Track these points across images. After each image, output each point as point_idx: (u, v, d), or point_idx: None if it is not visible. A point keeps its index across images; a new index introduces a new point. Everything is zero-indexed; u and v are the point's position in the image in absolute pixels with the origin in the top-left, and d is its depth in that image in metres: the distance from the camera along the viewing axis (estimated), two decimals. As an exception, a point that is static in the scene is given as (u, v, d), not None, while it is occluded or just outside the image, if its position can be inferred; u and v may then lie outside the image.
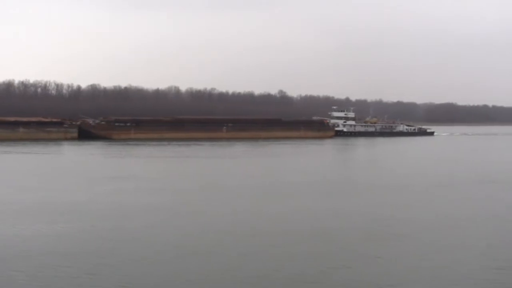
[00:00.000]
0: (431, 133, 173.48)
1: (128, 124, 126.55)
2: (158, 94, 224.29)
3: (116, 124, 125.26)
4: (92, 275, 19.84)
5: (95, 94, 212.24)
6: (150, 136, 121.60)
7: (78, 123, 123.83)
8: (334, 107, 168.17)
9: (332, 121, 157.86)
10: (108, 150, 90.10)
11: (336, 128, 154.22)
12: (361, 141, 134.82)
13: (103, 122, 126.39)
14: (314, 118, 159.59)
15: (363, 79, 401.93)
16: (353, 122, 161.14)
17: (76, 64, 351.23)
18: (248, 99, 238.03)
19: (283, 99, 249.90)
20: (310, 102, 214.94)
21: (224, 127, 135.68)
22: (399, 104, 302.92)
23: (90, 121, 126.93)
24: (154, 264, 21.34)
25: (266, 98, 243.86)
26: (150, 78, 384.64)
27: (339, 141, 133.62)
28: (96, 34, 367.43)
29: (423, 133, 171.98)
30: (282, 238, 25.72)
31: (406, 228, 28.41)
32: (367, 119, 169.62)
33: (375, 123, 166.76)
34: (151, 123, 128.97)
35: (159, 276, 19.88)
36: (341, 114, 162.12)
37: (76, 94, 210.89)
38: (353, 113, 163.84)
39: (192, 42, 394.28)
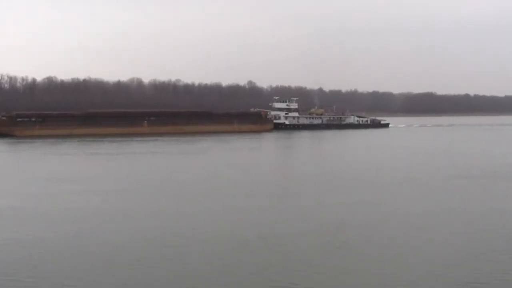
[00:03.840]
0: (386, 125, 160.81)
1: (33, 119, 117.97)
2: (119, 87, 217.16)
3: (19, 119, 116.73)
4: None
5: (52, 87, 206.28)
6: (58, 133, 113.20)
7: None
8: (276, 98, 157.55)
9: (273, 112, 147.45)
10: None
11: (276, 121, 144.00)
12: (303, 135, 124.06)
13: (4, 118, 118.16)
14: (252, 110, 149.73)
15: (337, 69, 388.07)
16: (296, 114, 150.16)
17: (32, 57, 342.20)
18: (215, 90, 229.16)
19: (252, 90, 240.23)
20: (282, 92, 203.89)
21: (145, 121, 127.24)
22: (374, 94, 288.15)
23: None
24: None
25: (235, 89, 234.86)
26: (112, 71, 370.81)
27: (276, 135, 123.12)
28: (55, 26, 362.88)
29: (376, 125, 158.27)
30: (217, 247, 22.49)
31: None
32: (312, 110, 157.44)
33: (321, 114, 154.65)
34: (59, 118, 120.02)
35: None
36: (283, 105, 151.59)
37: (31, 88, 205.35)
38: (296, 104, 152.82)
39: (153, 33, 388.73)
